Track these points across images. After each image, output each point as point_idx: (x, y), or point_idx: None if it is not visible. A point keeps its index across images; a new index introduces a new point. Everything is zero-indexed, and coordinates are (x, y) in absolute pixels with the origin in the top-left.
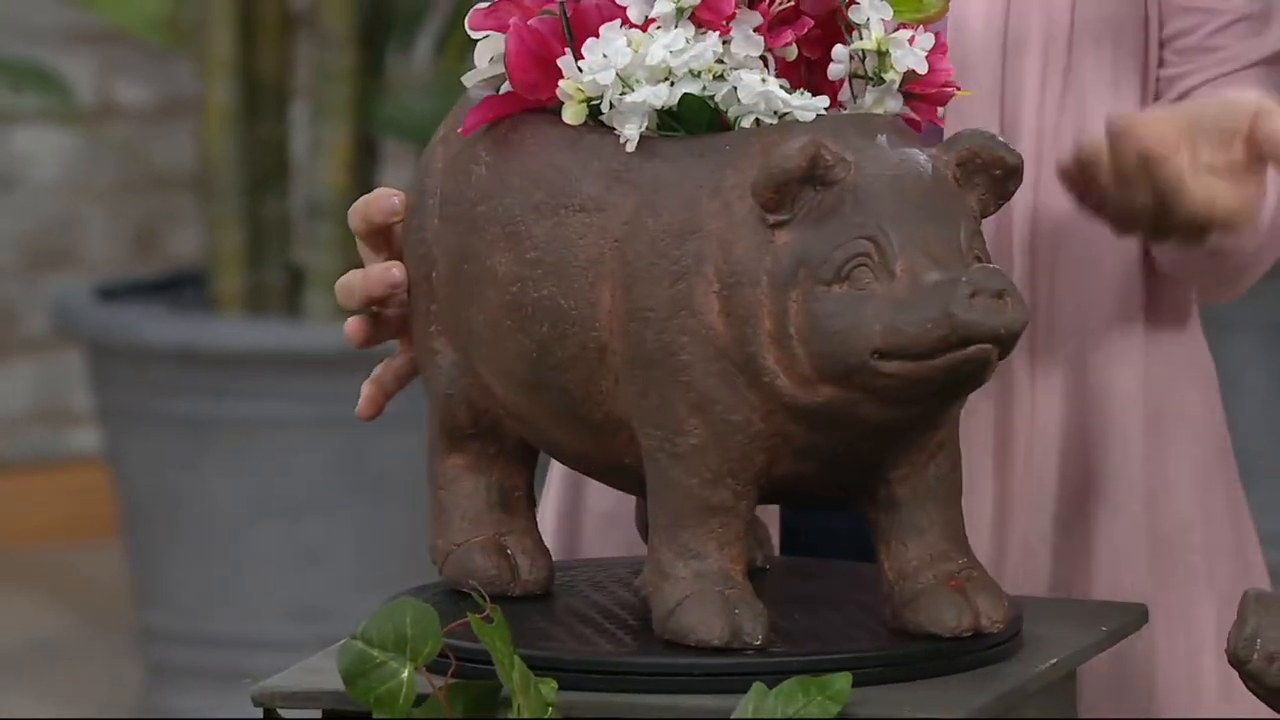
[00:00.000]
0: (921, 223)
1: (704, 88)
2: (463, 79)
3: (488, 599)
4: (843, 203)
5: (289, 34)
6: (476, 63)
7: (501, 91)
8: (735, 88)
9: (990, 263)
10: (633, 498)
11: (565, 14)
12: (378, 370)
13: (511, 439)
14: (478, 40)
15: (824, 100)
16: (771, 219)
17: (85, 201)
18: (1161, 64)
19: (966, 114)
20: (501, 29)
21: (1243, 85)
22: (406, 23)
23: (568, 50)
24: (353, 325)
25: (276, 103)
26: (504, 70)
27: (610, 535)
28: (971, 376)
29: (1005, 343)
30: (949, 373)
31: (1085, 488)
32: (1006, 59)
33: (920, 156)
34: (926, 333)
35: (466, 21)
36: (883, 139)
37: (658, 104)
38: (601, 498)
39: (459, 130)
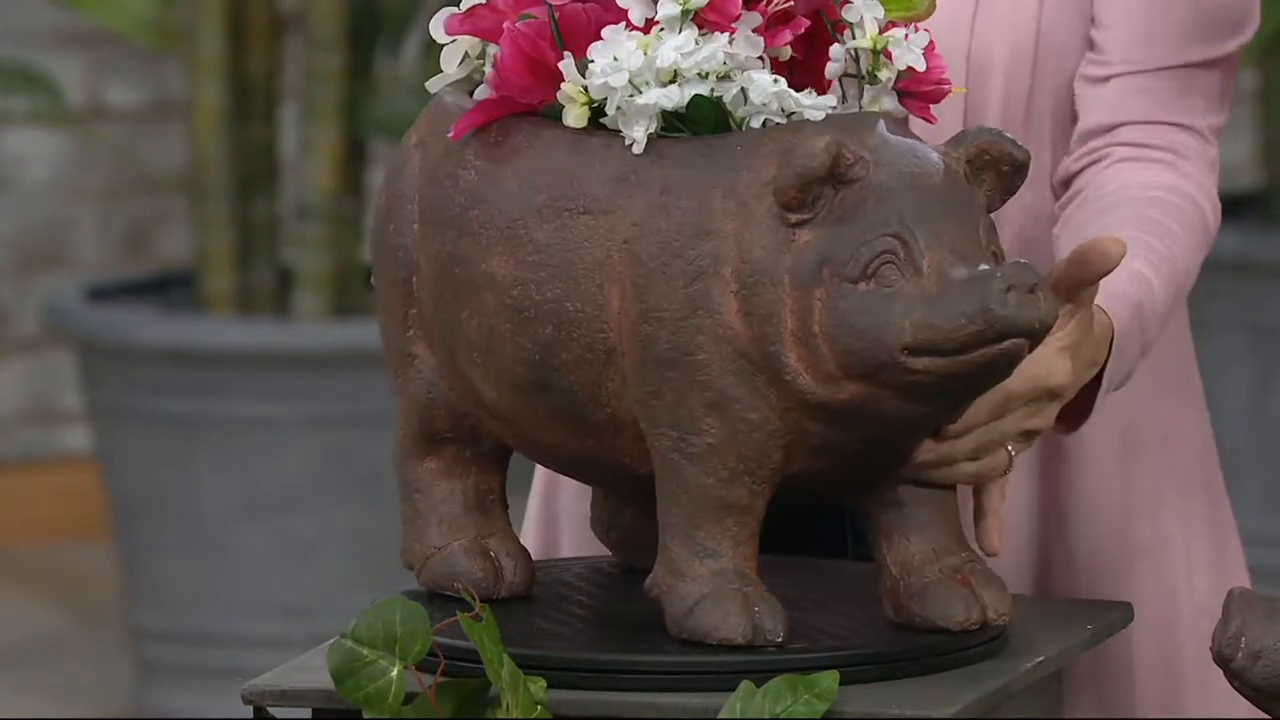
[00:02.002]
0: (943, 219)
1: (712, 89)
2: (426, 84)
3: (476, 598)
4: (864, 201)
5: (278, 36)
6: (443, 67)
7: (476, 96)
8: (744, 88)
9: (1005, 257)
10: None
11: (554, 18)
12: None
13: (488, 442)
14: (444, 45)
15: (832, 99)
16: (793, 218)
17: (75, 202)
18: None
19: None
20: (478, 33)
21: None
22: (394, 25)
23: (564, 54)
24: None
25: (265, 104)
26: (471, 74)
27: (586, 535)
28: (1001, 371)
29: (1037, 337)
30: (981, 367)
31: (1060, 500)
32: (970, 80)
33: (933, 154)
34: (961, 328)
35: (442, 25)
36: (892, 137)
37: (669, 105)
38: (579, 499)
39: (447, 134)
